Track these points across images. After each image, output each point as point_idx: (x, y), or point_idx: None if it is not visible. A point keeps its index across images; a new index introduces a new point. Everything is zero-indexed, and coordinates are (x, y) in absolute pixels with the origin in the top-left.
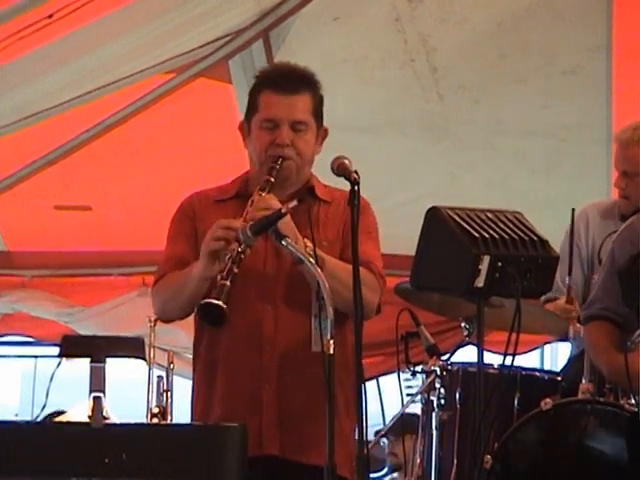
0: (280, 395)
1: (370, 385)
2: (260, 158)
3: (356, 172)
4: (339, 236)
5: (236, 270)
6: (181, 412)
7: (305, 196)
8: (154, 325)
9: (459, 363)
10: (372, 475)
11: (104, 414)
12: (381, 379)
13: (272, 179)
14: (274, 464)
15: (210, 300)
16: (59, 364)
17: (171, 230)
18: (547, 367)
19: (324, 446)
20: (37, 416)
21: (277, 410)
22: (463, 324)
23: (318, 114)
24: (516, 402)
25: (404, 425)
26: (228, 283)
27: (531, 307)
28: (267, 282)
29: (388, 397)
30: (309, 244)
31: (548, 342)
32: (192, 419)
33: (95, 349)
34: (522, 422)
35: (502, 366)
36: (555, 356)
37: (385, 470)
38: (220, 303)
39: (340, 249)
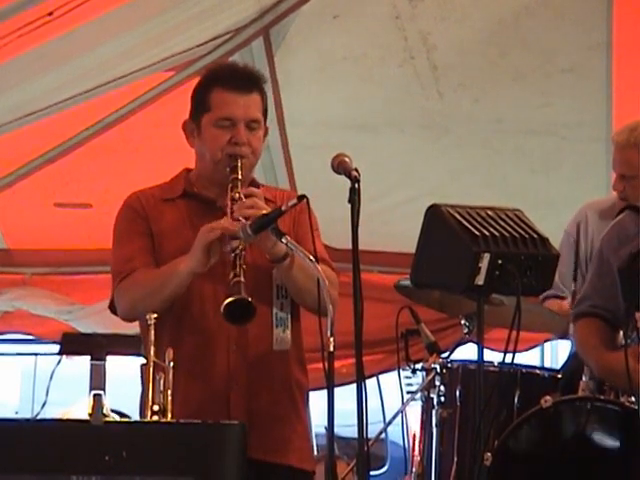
0: (248, 395)
1: (370, 383)
2: (215, 157)
3: (356, 170)
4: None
5: (244, 267)
6: None
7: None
8: (154, 323)
9: (459, 361)
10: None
11: (104, 412)
12: (381, 377)
13: (240, 177)
14: None
15: (241, 296)
16: (59, 362)
17: (122, 229)
18: (547, 365)
19: (289, 444)
20: (37, 414)
21: (245, 410)
22: (463, 322)
23: (266, 113)
24: (516, 400)
25: None
26: (243, 279)
27: (531, 305)
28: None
29: (388, 395)
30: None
31: (548, 340)
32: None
33: (95, 347)
34: (522, 420)
35: (502, 364)
36: (555, 354)
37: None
38: (250, 299)
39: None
